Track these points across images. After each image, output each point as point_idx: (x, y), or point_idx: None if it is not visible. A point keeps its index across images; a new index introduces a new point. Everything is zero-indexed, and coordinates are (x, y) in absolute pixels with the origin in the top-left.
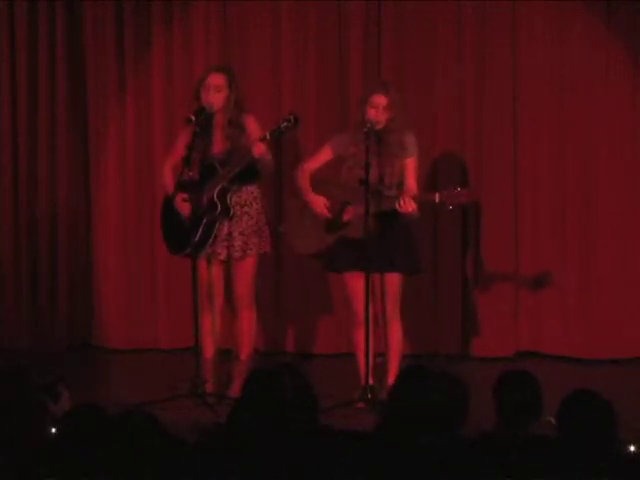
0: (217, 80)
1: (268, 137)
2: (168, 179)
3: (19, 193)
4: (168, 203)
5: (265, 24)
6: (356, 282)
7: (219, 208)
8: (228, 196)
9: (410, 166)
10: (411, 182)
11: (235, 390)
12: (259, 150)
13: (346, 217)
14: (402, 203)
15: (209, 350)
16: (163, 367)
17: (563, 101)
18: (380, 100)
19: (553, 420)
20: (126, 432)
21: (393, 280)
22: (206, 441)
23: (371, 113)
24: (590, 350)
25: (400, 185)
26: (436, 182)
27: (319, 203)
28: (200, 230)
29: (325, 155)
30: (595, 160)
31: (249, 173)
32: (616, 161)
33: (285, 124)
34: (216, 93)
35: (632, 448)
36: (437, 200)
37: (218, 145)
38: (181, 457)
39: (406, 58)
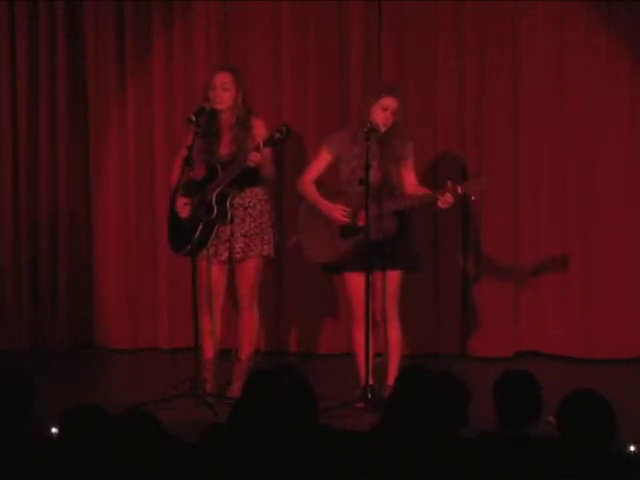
0: (224, 78)
1: (262, 146)
2: (175, 180)
3: (19, 193)
4: (173, 202)
5: (265, 24)
6: (357, 281)
7: (215, 212)
8: (228, 200)
9: (409, 166)
10: (412, 177)
11: (235, 390)
12: (254, 159)
13: (361, 221)
14: (443, 199)
15: (209, 350)
16: (163, 367)
17: (563, 101)
18: (392, 103)
19: (553, 420)
20: (126, 432)
21: (393, 277)
22: (206, 441)
23: (380, 115)
24: (590, 350)
25: (399, 186)
26: (436, 182)
27: (337, 210)
28: (198, 231)
29: (323, 160)
30: (595, 159)
31: (251, 176)
32: (616, 160)
33: (278, 135)
34: (223, 92)
35: (632, 448)
36: (460, 192)
37: (225, 147)
38: (181, 457)
39: (406, 58)
